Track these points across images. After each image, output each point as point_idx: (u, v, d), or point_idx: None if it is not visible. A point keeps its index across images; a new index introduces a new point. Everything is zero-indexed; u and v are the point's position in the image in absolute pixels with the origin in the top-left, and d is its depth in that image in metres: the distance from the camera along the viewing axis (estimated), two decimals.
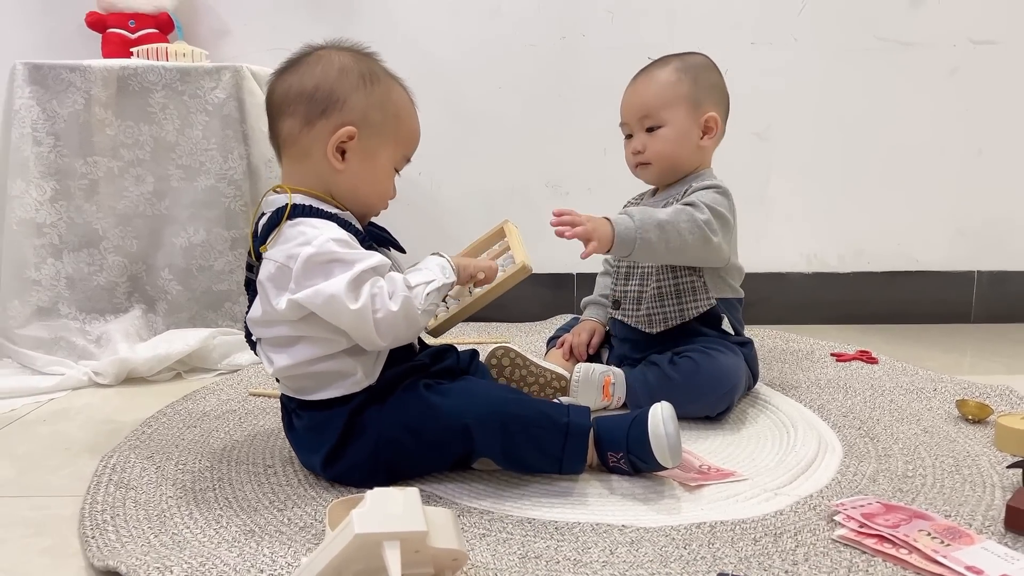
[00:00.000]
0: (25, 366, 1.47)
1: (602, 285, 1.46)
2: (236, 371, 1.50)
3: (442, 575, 0.70)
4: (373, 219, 1.06)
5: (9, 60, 1.60)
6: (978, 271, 1.94)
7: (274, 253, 0.93)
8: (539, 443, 0.94)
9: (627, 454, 0.95)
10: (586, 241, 1.10)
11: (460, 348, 1.13)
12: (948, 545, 0.79)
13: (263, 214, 0.97)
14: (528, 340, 1.73)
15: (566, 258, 1.93)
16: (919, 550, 0.78)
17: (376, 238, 1.01)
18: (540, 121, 1.88)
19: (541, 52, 1.85)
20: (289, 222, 0.93)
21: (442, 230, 1.90)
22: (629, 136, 1.33)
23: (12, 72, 1.51)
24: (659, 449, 0.93)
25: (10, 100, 1.51)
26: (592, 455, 0.97)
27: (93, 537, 0.85)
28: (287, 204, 0.93)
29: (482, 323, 1.87)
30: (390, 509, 0.64)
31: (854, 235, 1.93)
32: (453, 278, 0.97)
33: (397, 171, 1.04)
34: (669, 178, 1.31)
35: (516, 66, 1.85)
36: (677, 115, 1.26)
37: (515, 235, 1.17)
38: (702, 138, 1.28)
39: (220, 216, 1.57)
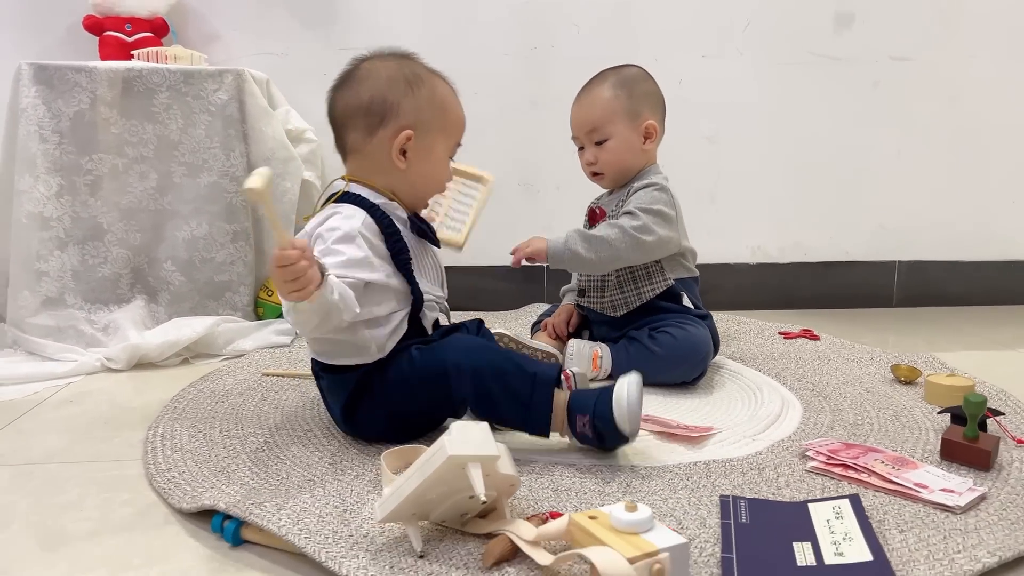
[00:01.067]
0: (36, 354, 1.52)
1: (576, 275, 1.61)
2: (241, 355, 1.60)
3: (500, 498, 0.84)
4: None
5: (4, 60, 1.65)
6: (898, 261, 2.19)
7: (309, 224, 1.07)
8: (508, 388, 1.00)
9: (592, 418, 1.00)
10: (527, 256, 1.38)
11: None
12: (898, 470, 0.98)
13: (328, 194, 1.10)
14: (504, 326, 1.87)
15: None
16: (877, 473, 0.97)
17: (417, 230, 1.13)
18: (512, 124, 2.03)
19: (514, 60, 2.00)
20: (334, 204, 1.06)
21: None
22: (581, 148, 1.49)
23: (17, 72, 1.56)
24: (619, 413, 0.98)
25: (15, 99, 1.57)
26: (563, 424, 1.02)
27: (170, 489, 0.96)
28: (340, 190, 1.06)
29: (463, 312, 2.01)
30: (471, 437, 0.77)
31: (792, 229, 2.15)
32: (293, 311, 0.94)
33: (451, 157, 1.15)
34: (620, 182, 1.48)
35: (491, 73, 1.99)
36: (619, 128, 1.42)
37: (463, 165, 1.31)
38: (644, 143, 1.44)
39: (222, 210, 1.66)
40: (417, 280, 1.09)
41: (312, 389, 1.35)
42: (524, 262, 1.40)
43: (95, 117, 1.59)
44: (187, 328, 1.57)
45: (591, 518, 0.78)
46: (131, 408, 1.31)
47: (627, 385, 0.99)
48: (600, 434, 1.00)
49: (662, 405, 1.28)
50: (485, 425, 0.81)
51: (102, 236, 1.63)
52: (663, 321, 1.40)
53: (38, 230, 1.57)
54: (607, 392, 1.00)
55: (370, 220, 1.05)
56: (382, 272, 1.03)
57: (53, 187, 1.58)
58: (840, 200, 2.14)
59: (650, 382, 1.36)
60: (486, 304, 2.05)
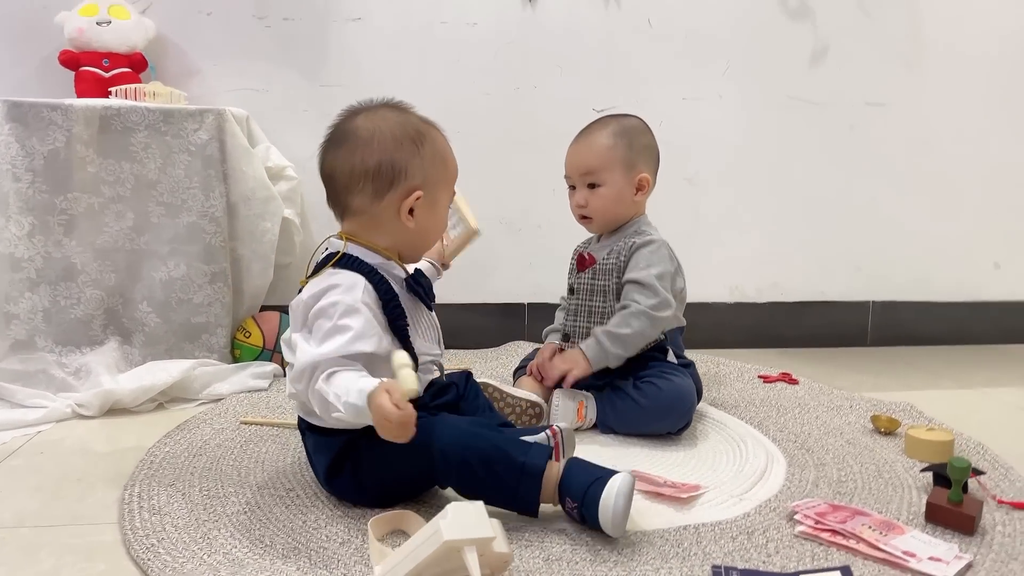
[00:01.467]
0: (5, 400, 1.48)
1: (560, 317, 1.61)
2: (218, 400, 1.56)
3: (494, 574, 0.83)
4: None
5: None
6: (872, 301, 2.22)
7: (308, 288, 1.04)
8: (496, 477, 0.98)
9: (579, 507, 0.98)
10: (574, 377, 1.38)
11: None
12: (886, 535, 0.98)
13: (324, 252, 1.08)
14: (486, 366, 1.86)
15: (517, 289, 2.09)
16: (864, 540, 0.97)
17: (412, 290, 1.10)
18: (494, 163, 2.02)
19: (496, 100, 2.00)
20: (331, 270, 1.04)
21: None
22: (572, 187, 1.49)
23: None
24: (604, 516, 0.96)
25: None
26: (553, 495, 1.00)
27: (150, 559, 0.93)
28: (339, 252, 1.05)
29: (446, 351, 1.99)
30: (467, 519, 0.76)
31: (770, 270, 2.17)
32: (361, 421, 0.93)
33: (447, 207, 1.16)
34: (608, 228, 1.49)
35: (473, 112, 1.99)
36: (614, 176, 1.44)
37: (463, 202, 1.31)
38: (636, 194, 1.46)
39: (201, 251, 1.63)
40: (413, 342, 1.07)
41: (293, 440, 1.33)
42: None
43: (71, 155, 1.56)
44: (162, 372, 1.53)
45: None
46: (105, 459, 1.27)
47: (615, 493, 0.96)
48: (585, 519, 0.99)
49: (648, 459, 1.28)
50: (480, 505, 0.80)
51: (75, 277, 1.59)
52: (648, 371, 1.40)
53: (8, 271, 1.53)
54: (597, 486, 0.97)
55: (370, 287, 1.04)
56: (385, 341, 1.02)
57: (25, 227, 1.54)
58: (817, 241, 2.17)
59: (635, 432, 1.37)
60: (466, 342, 2.03)
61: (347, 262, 1.05)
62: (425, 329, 1.14)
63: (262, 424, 1.41)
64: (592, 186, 1.45)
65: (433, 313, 1.18)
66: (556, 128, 2.01)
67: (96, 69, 1.70)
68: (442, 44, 1.96)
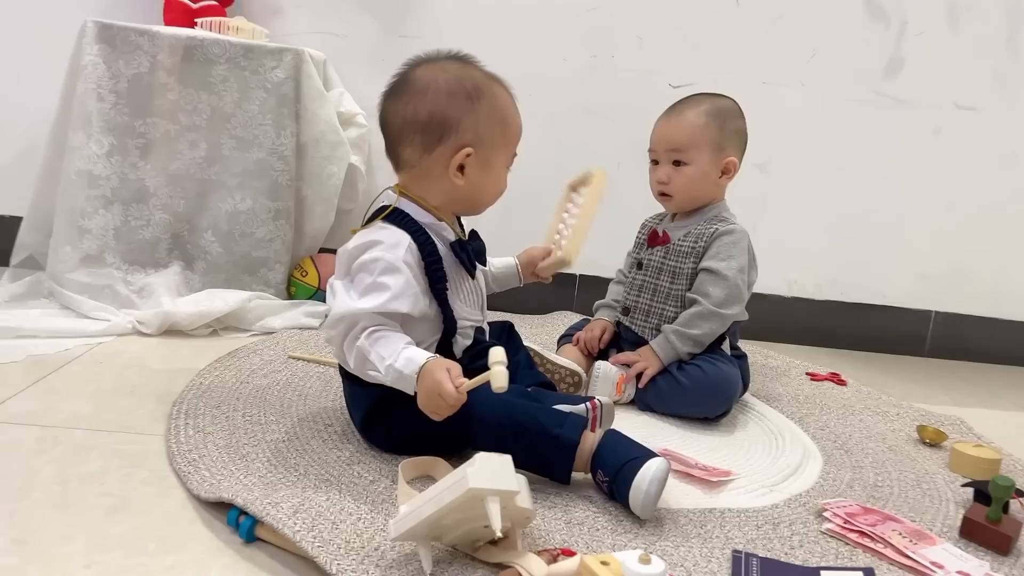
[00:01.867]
0: (70, 309, 1.55)
1: (614, 292, 1.60)
2: (270, 333, 1.61)
3: (514, 529, 0.84)
4: (468, 227, 1.17)
5: (70, 16, 1.67)
6: (935, 311, 2.15)
7: (356, 238, 1.05)
8: (530, 448, 0.99)
9: (611, 482, 0.99)
10: (648, 376, 1.38)
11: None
12: (916, 544, 0.97)
13: (379, 205, 1.09)
14: (531, 332, 1.86)
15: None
16: (893, 546, 0.96)
17: (459, 254, 1.10)
18: (563, 131, 2.01)
19: (571, 67, 1.98)
20: (380, 223, 1.05)
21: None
22: (655, 162, 1.47)
23: (82, 29, 1.58)
24: (635, 498, 0.96)
25: (78, 55, 1.58)
26: (586, 465, 1.01)
27: (190, 473, 0.97)
28: (390, 206, 1.06)
29: (491, 313, 2.01)
30: (494, 470, 0.78)
31: (831, 267, 2.11)
32: (399, 386, 0.96)
33: (508, 167, 1.12)
34: (687, 208, 1.47)
35: (547, 76, 1.97)
36: (702, 156, 1.41)
37: (581, 230, 1.27)
38: (720, 177, 1.44)
39: (267, 187, 1.67)
40: (453, 306, 1.08)
41: (336, 379, 1.36)
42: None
43: (153, 81, 1.61)
44: (219, 300, 1.58)
45: (603, 563, 0.78)
46: (158, 376, 1.33)
47: (649, 478, 0.95)
48: (615, 495, 0.99)
49: (682, 440, 1.28)
50: (508, 458, 0.81)
51: (147, 199, 1.64)
52: (696, 355, 1.39)
53: (86, 187, 1.59)
54: (631, 466, 0.97)
55: (414, 246, 1.04)
56: (423, 302, 1.03)
57: (105, 146, 1.60)
58: (883, 243, 2.11)
59: (674, 413, 1.37)
60: (515, 306, 2.04)
61: (397, 217, 1.05)
62: (468, 294, 1.13)
63: (309, 360, 1.45)
64: (677, 164, 1.42)
65: (481, 279, 1.18)
66: (629, 100, 1.99)
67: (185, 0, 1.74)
68: (524, 4, 1.94)
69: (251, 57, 1.63)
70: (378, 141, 1.91)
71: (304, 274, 1.76)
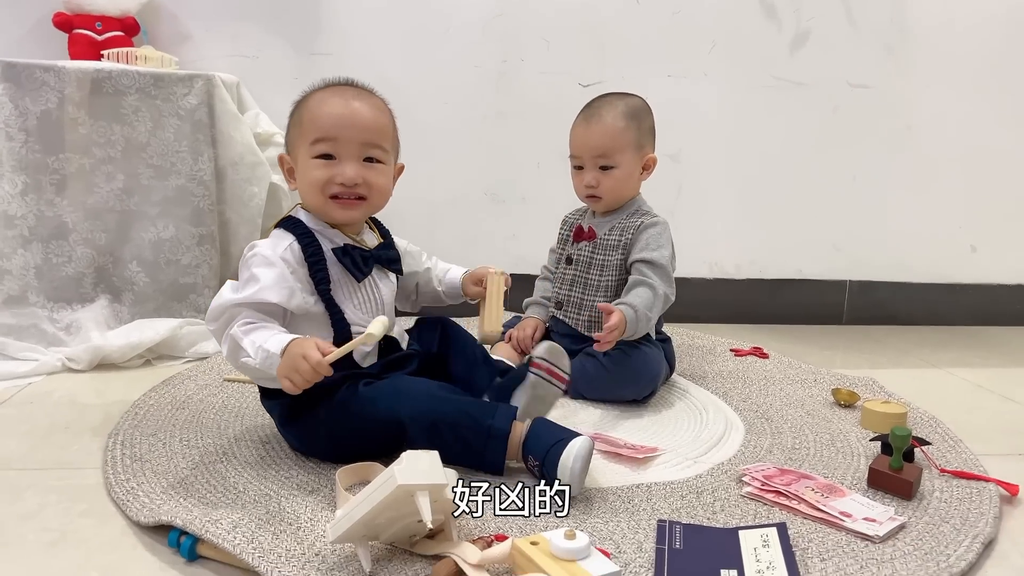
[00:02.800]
0: None
1: (541, 288, 1.65)
2: (204, 358, 1.62)
3: (448, 520, 0.88)
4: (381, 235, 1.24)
5: None
6: (849, 280, 2.26)
7: None
8: (464, 441, 1.05)
9: (541, 465, 1.04)
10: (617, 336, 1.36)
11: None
12: (827, 497, 1.04)
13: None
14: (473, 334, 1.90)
15: (500, 260, 2.12)
16: (806, 500, 1.03)
17: (340, 259, 1.13)
18: (481, 135, 2.06)
19: (484, 73, 2.03)
20: (275, 229, 1.14)
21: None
22: (579, 167, 1.51)
23: None
24: (562, 475, 1.01)
25: None
26: (517, 453, 1.06)
27: (128, 500, 0.98)
28: (285, 214, 1.17)
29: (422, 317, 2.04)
30: (420, 466, 0.81)
31: (749, 247, 2.21)
32: (266, 368, 0.99)
33: (329, 156, 1.10)
34: (614, 206, 1.53)
35: (461, 84, 2.02)
36: (627, 158, 1.48)
37: (495, 300, 1.28)
38: (642, 173, 1.51)
39: (189, 214, 1.67)
40: (344, 309, 1.12)
41: None
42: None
43: (63, 116, 1.60)
44: (150, 330, 1.58)
45: (533, 543, 0.83)
46: (91, 410, 1.32)
47: (574, 455, 1.01)
48: (545, 477, 1.04)
49: (612, 423, 1.34)
50: (435, 454, 0.85)
51: (67, 235, 1.63)
52: (621, 340, 1.45)
53: (2, 228, 1.57)
54: (557, 449, 1.02)
55: (296, 246, 1.10)
56: (300, 298, 1.08)
57: (18, 185, 1.58)
58: (796, 220, 2.21)
59: (602, 397, 1.42)
60: (447, 311, 2.07)
61: (287, 223, 1.13)
62: (363, 301, 1.16)
63: (244, 381, 1.46)
64: (604, 169, 1.47)
65: (385, 287, 1.20)
66: (543, 102, 2.06)
67: (89, 32, 1.73)
68: (432, 16, 1.99)
69: (161, 86, 1.63)
70: None
71: None
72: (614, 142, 1.46)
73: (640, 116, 1.49)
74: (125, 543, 0.91)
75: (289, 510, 0.96)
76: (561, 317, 1.54)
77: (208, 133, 1.67)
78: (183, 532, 0.89)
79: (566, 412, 1.37)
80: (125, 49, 1.68)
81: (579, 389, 1.43)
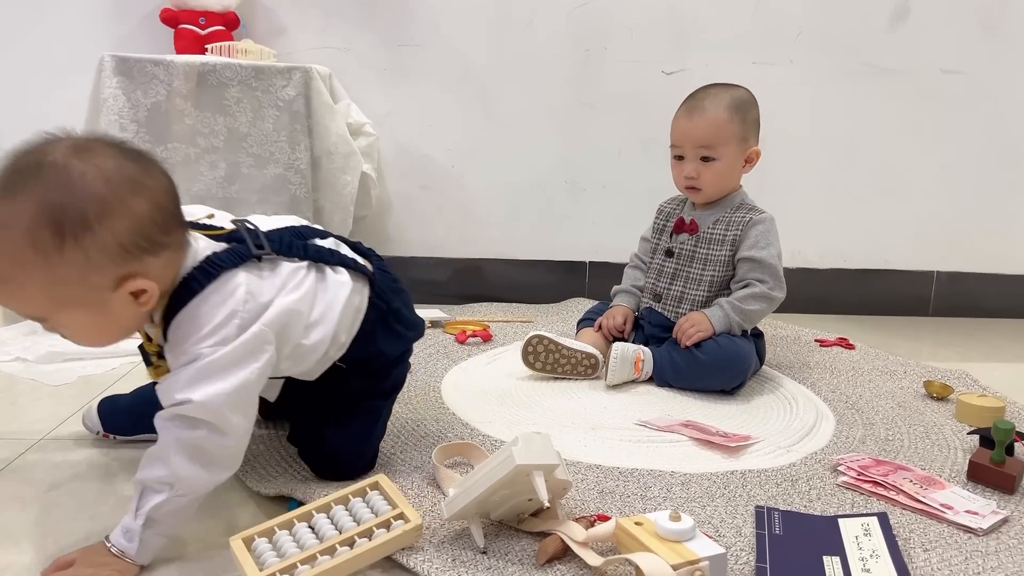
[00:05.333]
0: None
1: (631, 276, 1.65)
2: None
3: (554, 500, 0.92)
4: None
5: (88, 50, 1.75)
6: (937, 271, 2.21)
7: None
8: None
9: None
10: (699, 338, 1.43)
11: (487, 326, 1.30)
12: (926, 489, 1.04)
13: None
14: (546, 320, 1.94)
15: (579, 247, 2.16)
16: (905, 492, 1.03)
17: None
18: (562, 123, 2.08)
19: (567, 62, 2.04)
20: None
21: (468, 215, 2.10)
22: (679, 158, 1.50)
23: (100, 63, 1.65)
24: None
25: (98, 89, 1.66)
26: None
27: (247, 472, 1.05)
28: None
29: (504, 304, 2.08)
30: (534, 447, 0.85)
31: (833, 236, 2.18)
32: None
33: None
34: (714, 199, 1.53)
35: (544, 73, 2.04)
36: (729, 151, 1.47)
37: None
38: (744, 166, 1.51)
39: (286, 201, 1.74)
40: None
41: None
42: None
43: (170, 108, 1.68)
44: None
45: (637, 524, 0.85)
46: None
47: None
48: None
49: (701, 411, 1.35)
50: (547, 435, 0.88)
51: None
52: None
53: None
54: None
55: None
56: None
57: None
58: (882, 209, 2.17)
59: (690, 387, 1.44)
60: (527, 297, 2.12)
61: None
62: None
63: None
64: (706, 160, 1.47)
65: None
66: (625, 90, 2.06)
67: (193, 27, 1.81)
68: (516, 6, 2.01)
69: (261, 77, 1.70)
70: (387, 148, 2.02)
71: None
72: (717, 134, 1.45)
73: (745, 108, 1.48)
74: (246, 512, 0.97)
75: (400, 482, 1.01)
76: (659, 310, 1.54)
77: (305, 123, 1.73)
78: (301, 503, 0.95)
79: (652, 400, 1.40)
80: (227, 43, 1.75)
81: (665, 378, 1.45)
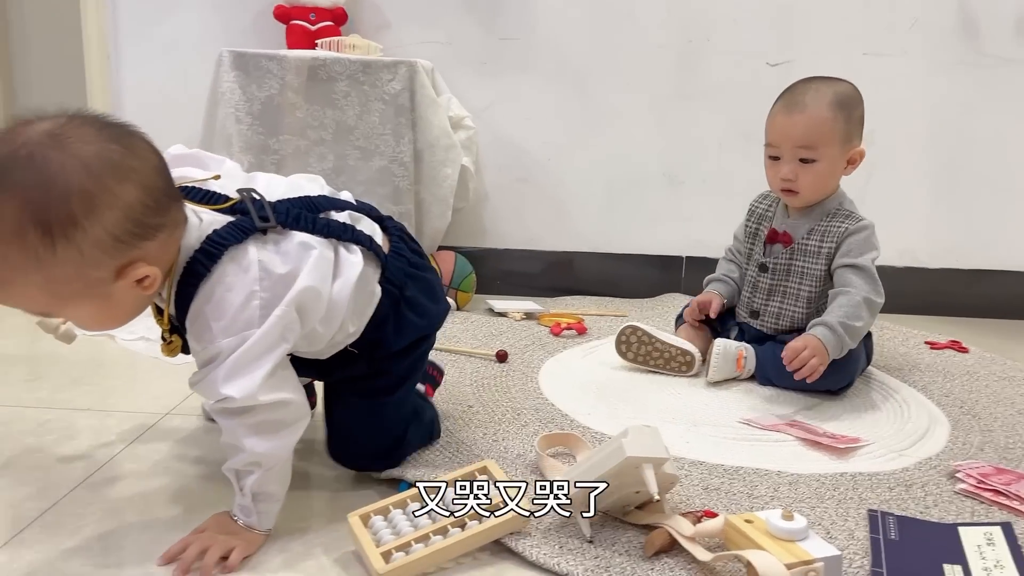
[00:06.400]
0: None
1: (725, 267, 1.60)
2: None
3: (661, 494, 0.92)
4: None
5: (208, 45, 1.84)
6: None
7: None
8: None
9: None
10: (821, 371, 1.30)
11: (582, 319, 1.29)
12: None
13: None
14: (640, 315, 1.92)
15: (676, 242, 2.13)
16: None
17: None
18: (662, 116, 2.05)
19: (667, 53, 2.02)
20: None
21: (563, 208, 2.11)
22: (775, 158, 1.40)
23: (219, 58, 1.73)
24: None
25: (217, 82, 1.74)
26: None
27: None
28: None
29: (598, 297, 2.08)
30: (644, 440, 0.85)
31: (945, 235, 2.08)
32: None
33: None
34: (810, 203, 1.42)
35: (644, 65, 2.02)
36: (831, 152, 1.36)
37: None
38: (845, 167, 1.40)
39: (390, 193, 1.79)
40: None
41: (469, 364, 1.47)
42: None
43: (283, 102, 1.75)
44: None
45: (747, 521, 0.84)
46: None
47: None
48: None
49: (806, 411, 1.32)
50: (656, 428, 0.88)
51: None
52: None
53: None
54: None
55: None
56: None
57: (245, 164, 1.75)
58: (999, 207, 2.06)
59: (794, 387, 1.40)
60: (624, 291, 2.11)
61: None
62: None
63: (440, 350, 1.56)
64: (805, 161, 1.36)
65: None
66: (727, 82, 2.03)
67: (304, 23, 1.87)
68: None
69: (369, 72, 1.75)
70: (485, 142, 2.04)
71: None
72: (819, 134, 1.35)
73: (850, 105, 1.37)
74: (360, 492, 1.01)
75: (511, 474, 1.03)
76: (757, 326, 1.49)
77: (409, 117, 1.77)
78: (412, 485, 0.98)
79: (756, 401, 1.37)
80: (337, 38, 1.81)
81: (769, 376, 1.41)
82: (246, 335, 0.81)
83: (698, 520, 0.91)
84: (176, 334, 0.90)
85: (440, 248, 1.97)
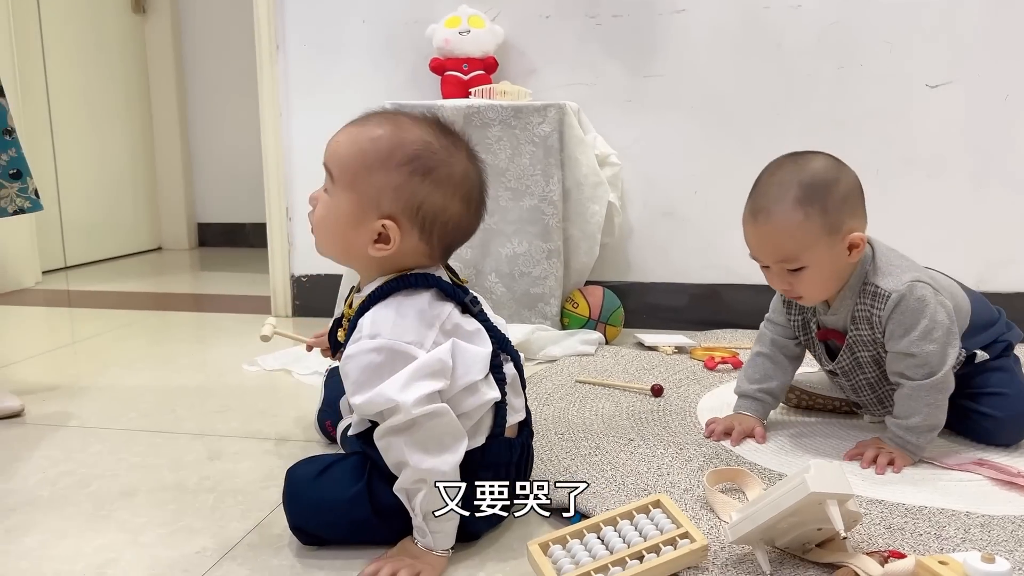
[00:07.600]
0: None
1: (760, 371, 1.34)
2: (552, 361, 1.77)
3: (847, 531, 0.89)
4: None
5: (369, 100, 1.97)
6: None
7: None
8: None
9: None
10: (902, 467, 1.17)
11: (737, 352, 1.29)
12: None
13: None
14: None
15: None
16: None
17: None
18: (811, 144, 1.98)
19: (817, 81, 1.98)
20: None
21: (709, 241, 2.09)
22: (766, 267, 1.21)
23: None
24: None
25: None
26: None
27: None
28: None
29: (749, 331, 2.04)
30: (828, 475, 0.84)
31: None
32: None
33: None
34: (830, 296, 1.23)
35: (793, 93, 1.99)
36: (817, 254, 1.14)
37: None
38: (850, 254, 1.16)
39: (540, 231, 1.85)
40: None
41: (624, 399, 1.48)
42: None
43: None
44: (510, 335, 1.77)
45: (942, 563, 0.81)
46: None
47: None
48: None
49: (993, 449, 1.24)
50: (838, 464, 0.87)
51: None
52: (977, 381, 1.24)
53: None
54: None
55: None
56: None
57: None
58: None
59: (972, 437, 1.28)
60: (728, 320, 2.07)
61: None
62: None
63: (595, 384, 1.59)
64: (793, 271, 1.16)
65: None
66: (883, 107, 1.97)
67: (457, 73, 1.98)
68: (764, 30, 1.99)
69: (520, 116, 1.83)
70: (629, 178, 2.06)
71: (575, 306, 1.91)
72: (793, 243, 1.13)
73: (823, 193, 1.12)
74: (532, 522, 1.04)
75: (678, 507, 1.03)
76: (869, 420, 1.39)
77: (558, 157, 1.83)
78: (584, 516, 1.00)
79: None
80: (489, 86, 1.90)
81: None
82: (421, 347, 0.89)
83: (885, 560, 0.88)
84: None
85: (588, 283, 2.00)
